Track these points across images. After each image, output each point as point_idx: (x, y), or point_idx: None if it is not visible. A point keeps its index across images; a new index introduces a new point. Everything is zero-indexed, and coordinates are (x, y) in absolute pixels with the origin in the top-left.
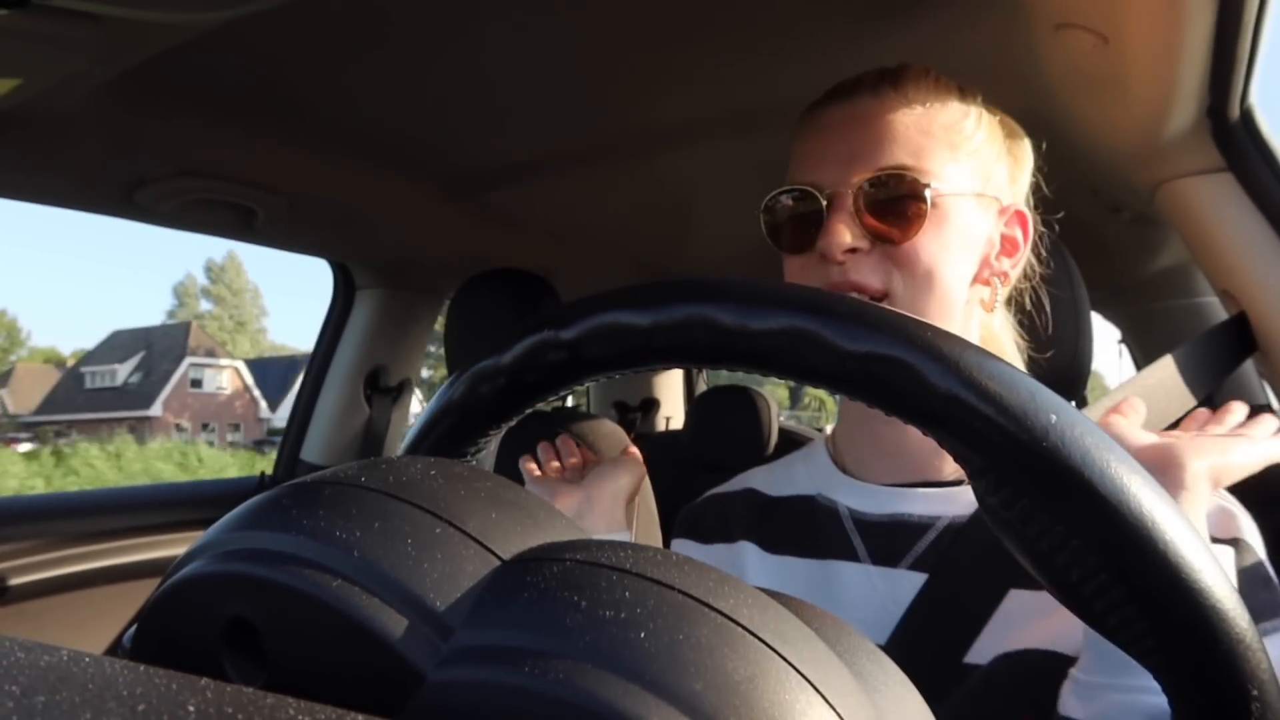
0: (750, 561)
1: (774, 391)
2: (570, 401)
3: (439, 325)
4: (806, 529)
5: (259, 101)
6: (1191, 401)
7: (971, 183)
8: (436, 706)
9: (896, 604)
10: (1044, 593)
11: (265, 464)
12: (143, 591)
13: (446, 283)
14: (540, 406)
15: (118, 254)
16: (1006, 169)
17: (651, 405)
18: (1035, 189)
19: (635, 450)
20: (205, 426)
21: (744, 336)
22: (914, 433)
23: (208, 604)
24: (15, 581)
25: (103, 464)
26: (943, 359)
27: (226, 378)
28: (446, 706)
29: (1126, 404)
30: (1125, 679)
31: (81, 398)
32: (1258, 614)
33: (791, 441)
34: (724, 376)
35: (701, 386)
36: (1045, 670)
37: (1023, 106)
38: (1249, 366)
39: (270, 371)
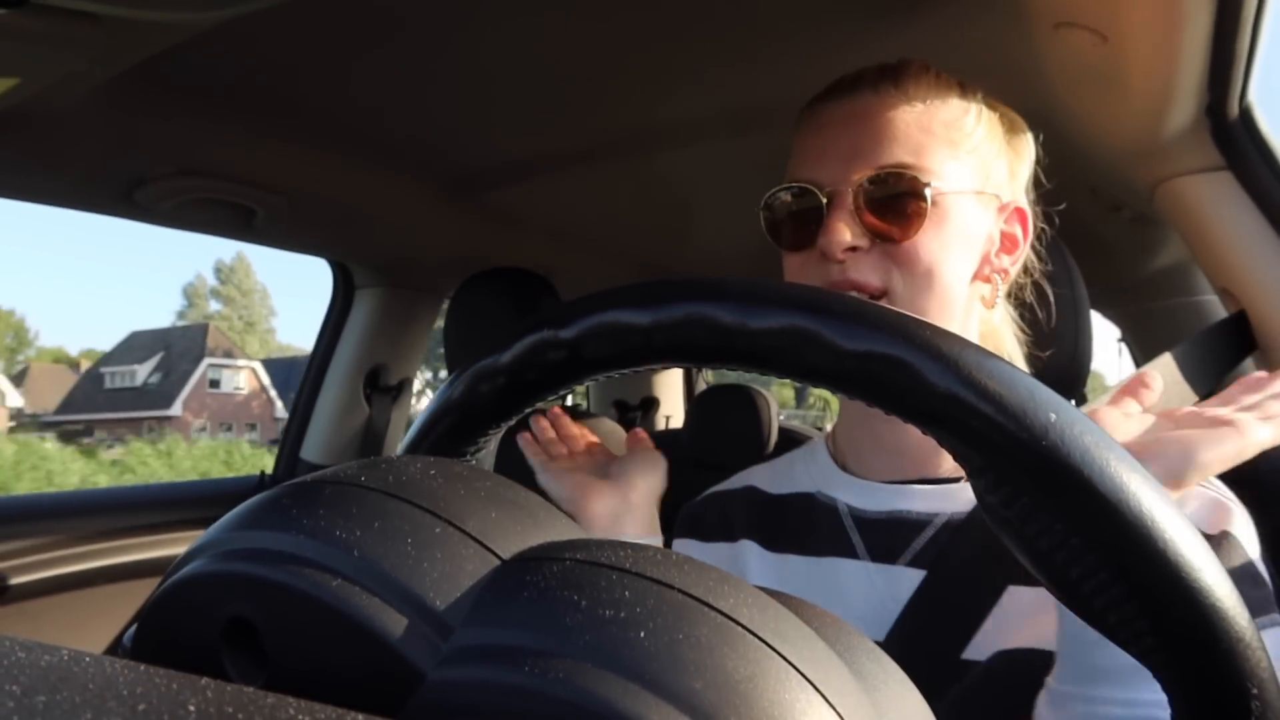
0: (752, 560)
1: (780, 391)
2: (570, 401)
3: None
4: (806, 526)
5: (259, 101)
6: (1192, 399)
7: (971, 180)
8: (436, 706)
9: (895, 600)
10: (1042, 589)
11: None
12: (143, 591)
13: (446, 282)
14: (540, 405)
15: (127, 255)
16: (1006, 165)
17: (651, 404)
18: (1035, 185)
19: (653, 446)
20: (224, 426)
21: (744, 336)
22: (913, 430)
23: (208, 603)
24: (15, 581)
25: (156, 462)
26: (942, 358)
27: (244, 378)
28: (446, 706)
29: (1148, 374)
30: (1093, 690)
31: (101, 397)
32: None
33: (791, 441)
34: (728, 375)
35: (701, 385)
36: (1043, 666)
37: (1022, 105)
38: (1249, 365)
39: (291, 372)
